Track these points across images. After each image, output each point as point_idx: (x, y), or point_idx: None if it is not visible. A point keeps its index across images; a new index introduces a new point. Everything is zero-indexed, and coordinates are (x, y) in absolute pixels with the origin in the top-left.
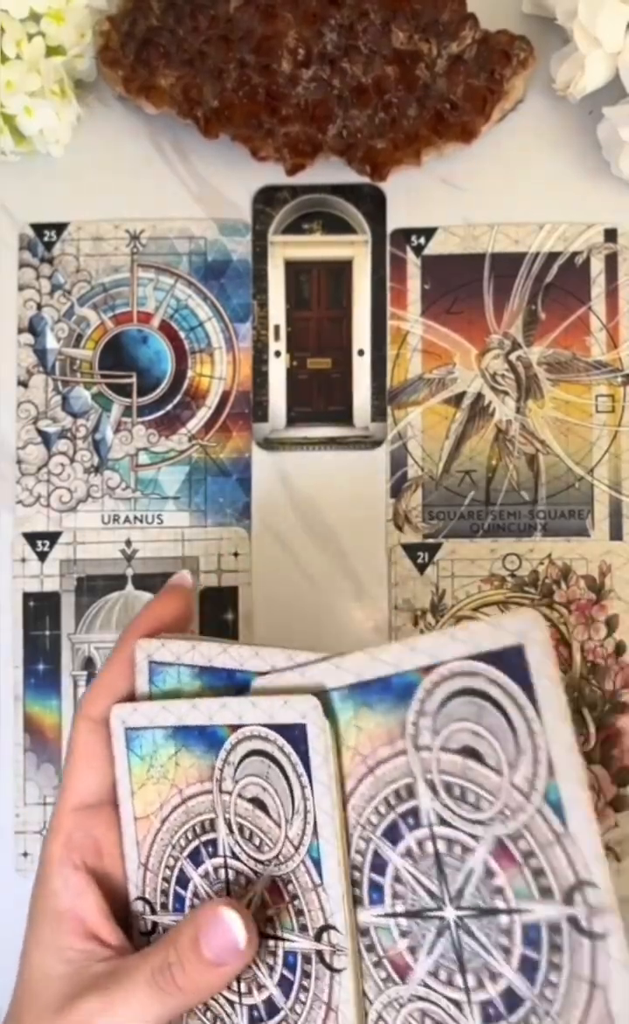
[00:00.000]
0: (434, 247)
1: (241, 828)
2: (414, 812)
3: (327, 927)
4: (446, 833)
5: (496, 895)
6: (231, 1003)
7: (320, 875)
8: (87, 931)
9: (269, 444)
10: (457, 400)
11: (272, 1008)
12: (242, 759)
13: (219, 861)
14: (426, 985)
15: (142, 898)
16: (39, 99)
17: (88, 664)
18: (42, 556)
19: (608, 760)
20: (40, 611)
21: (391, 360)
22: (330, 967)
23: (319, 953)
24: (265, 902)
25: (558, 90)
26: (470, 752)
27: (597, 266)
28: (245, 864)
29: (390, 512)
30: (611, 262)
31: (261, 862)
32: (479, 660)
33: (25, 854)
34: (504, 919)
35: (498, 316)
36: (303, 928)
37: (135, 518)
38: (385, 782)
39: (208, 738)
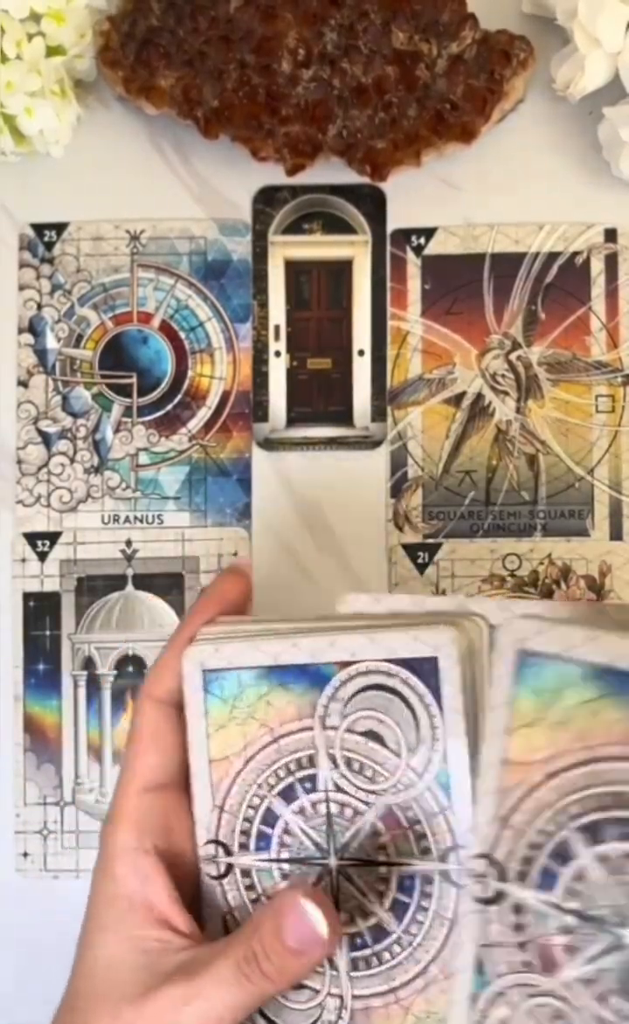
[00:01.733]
0: (434, 247)
1: (349, 761)
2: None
3: (454, 847)
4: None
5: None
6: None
7: (449, 798)
8: (159, 918)
9: (269, 444)
10: (457, 400)
11: (380, 933)
12: (354, 694)
13: (319, 796)
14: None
15: (215, 841)
16: (39, 99)
17: (88, 664)
18: (42, 556)
19: None
20: (40, 611)
21: (391, 360)
22: (456, 884)
23: (444, 873)
24: (376, 830)
25: (558, 90)
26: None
27: (597, 266)
28: (353, 796)
29: (390, 512)
30: (611, 262)
31: (373, 792)
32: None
33: (25, 854)
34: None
35: (498, 316)
36: (425, 851)
37: (135, 518)
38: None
39: (310, 676)
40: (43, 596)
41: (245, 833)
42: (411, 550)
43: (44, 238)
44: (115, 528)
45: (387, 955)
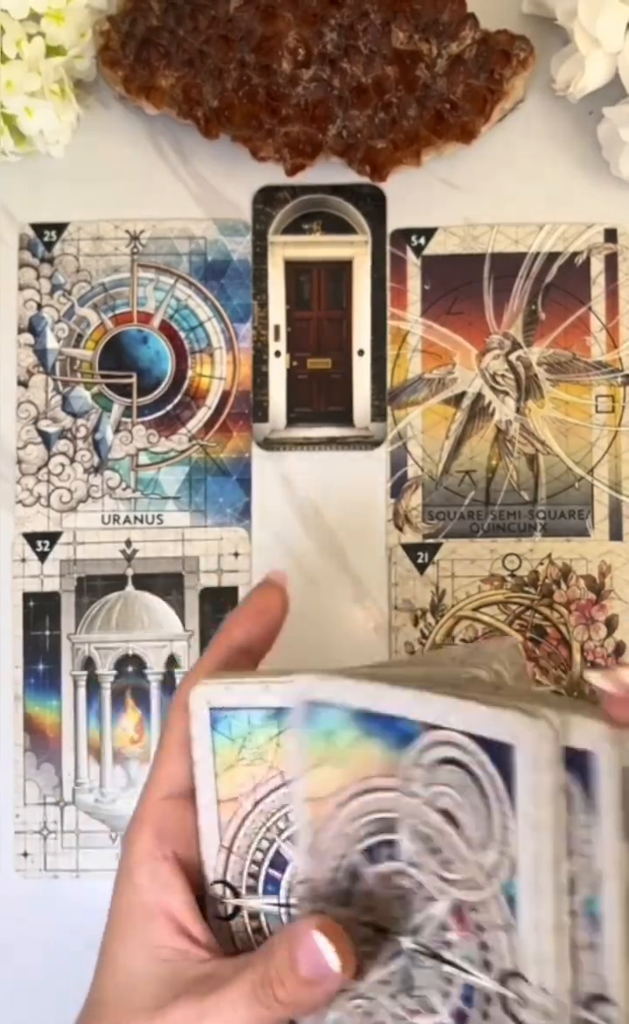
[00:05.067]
0: (434, 247)
1: (427, 838)
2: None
3: (513, 974)
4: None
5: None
6: (396, 1017)
7: (514, 915)
8: (178, 927)
9: (269, 444)
10: (457, 400)
11: None
12: (437, 764)
13: (397, 866)
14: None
15: (223, 881)
16: (39, 99)
17: (88, 664)
18: (42, 556)
19: None
20: (40, 611)
21: (391, 360)
22: (515, 1018)
23: (502, 997)
24: (445, 926)
25: (558, 90)
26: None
27: (597, 266)
28: (428, 877)
29: (390, 512)
30: (611, 262)
31: (445, 879)
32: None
33: (25, 854)
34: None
35: (498, 316)
36: (486, 965)
37: (135, 518)
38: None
39: (386, 728)
40: (43, 596)
41: (253, 876)
42: (411, 550)
43: (44, 238)
44: (115, 528)
45: None
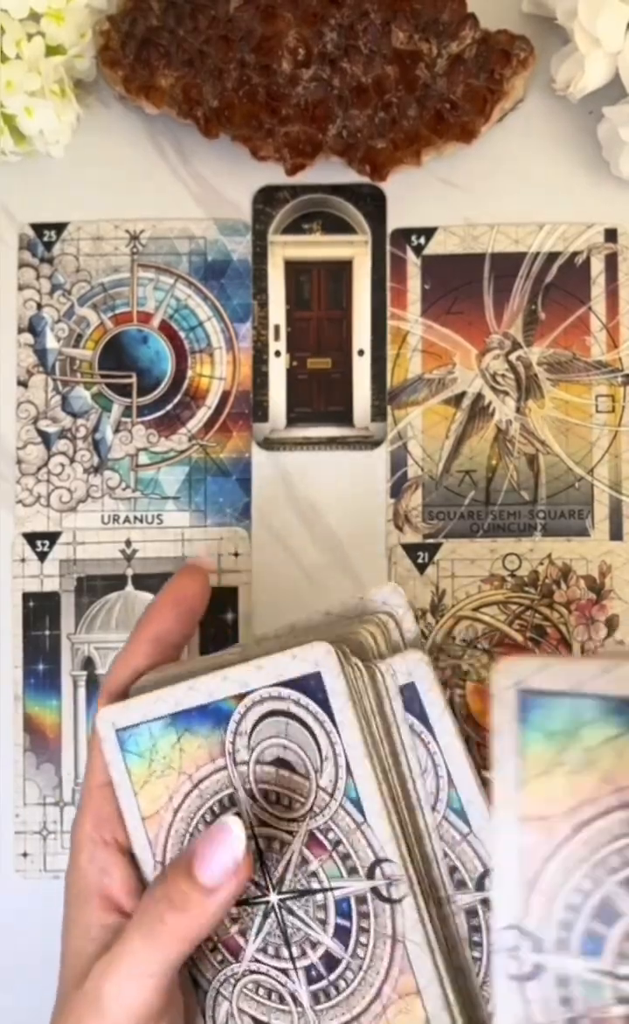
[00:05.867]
0: (434, 247)
1: (266, 793)
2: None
3: (379, 861)
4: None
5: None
6: (284, 971)
7: (362, 813)
8: (112, 905)
9: (269, 444)
10: (457, 400)
11: (331, 961)
12: (255, 725)
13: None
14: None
15: None
16: (39, 99)
17: (88, 664)
18: (42, 556)
19: None
20: (40, 611)
21: (391, 360)
22: (388, 899)
23: (374, 890)
24: (305, 859)
25: (558, 90)
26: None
27: (597, 266)
28: (277, 828)
29: (390, 512)
30: (611, 262)
31: (293, 819)
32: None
33: (25, 854)
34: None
35: (498, 316)
36: (353, 871)
37: (135, 518)
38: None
39: (212, 715)
40: (43, 596)
41: None
42: (411, 550)
43: (44, 238)
44: (115, 528)
45: (342, 983)
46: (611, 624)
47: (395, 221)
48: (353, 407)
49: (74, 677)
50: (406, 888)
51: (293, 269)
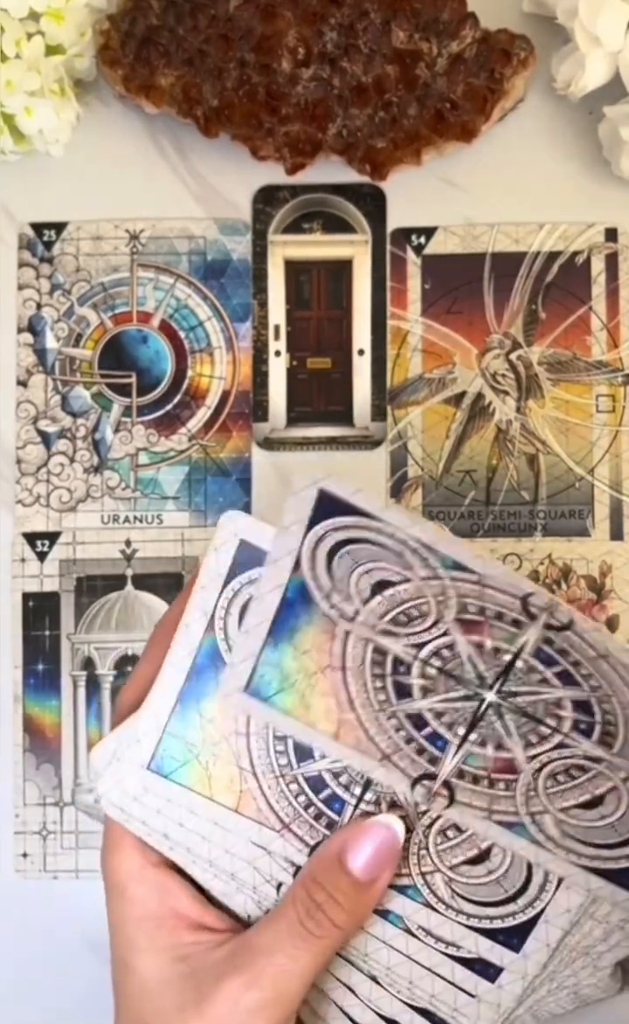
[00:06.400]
0: (434, 247)
1: (396, 621)
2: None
3: (524, 596)
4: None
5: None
6: (561, 745)
7: (471, 571)
8: (192, 924)
9: (269, 444)
10: (457, 400)
11: (583, 705)
12: (328, 570)
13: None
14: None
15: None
16: (39, 99)
17: (88, 664)
18: (42, 556)
19: None
20: (40, 611)
21: (391, 360)
22: (560, 627)
23: (546, 625)
24: (478, 645)
25: (558, 89)
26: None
27: (597, 266)
28: (425, 642)
29: None
30: (611, 262)
31: (427, 628)
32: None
33: (25, 854)
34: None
35: (498, 316)
36: (515, 623)
37: (135, 518)
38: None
39: (294, 603)
40: (43, 596)
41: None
42: None
43: (44, 238)
44: (115, 528)
45: (607, 708)
46: (611, 624)
47: (395, 221)
48: (353, 407)
49: (74, 677)
50: (566, 609)
51: (293, 269)
